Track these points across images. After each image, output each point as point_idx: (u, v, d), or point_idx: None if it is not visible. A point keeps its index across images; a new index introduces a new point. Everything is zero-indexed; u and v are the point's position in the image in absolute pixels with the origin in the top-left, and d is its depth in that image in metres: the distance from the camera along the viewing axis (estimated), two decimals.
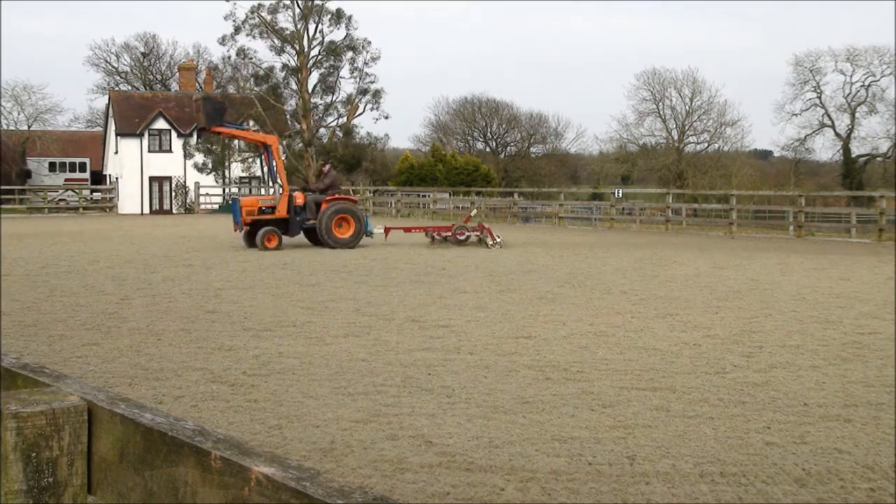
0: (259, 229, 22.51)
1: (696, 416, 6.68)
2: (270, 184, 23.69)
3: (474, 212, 28.72)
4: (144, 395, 7.24)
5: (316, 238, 23.30)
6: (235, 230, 23.73)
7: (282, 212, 23.03)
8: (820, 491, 5.17)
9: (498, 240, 23.90)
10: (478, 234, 24.25)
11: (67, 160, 72.02)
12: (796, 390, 7.53)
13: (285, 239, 23.03)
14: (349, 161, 55.75)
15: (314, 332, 10.35)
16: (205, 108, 25.60)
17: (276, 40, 53.93)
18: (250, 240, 22.80)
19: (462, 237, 24.25)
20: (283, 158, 22.91)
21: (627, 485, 5.26)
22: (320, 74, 54.88)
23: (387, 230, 25.17)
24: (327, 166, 25.22)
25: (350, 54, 53.93)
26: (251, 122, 53.69)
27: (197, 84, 65.98)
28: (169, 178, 57.01)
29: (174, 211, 55.87)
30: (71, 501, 1.56)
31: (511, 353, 9.07)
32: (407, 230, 26.05)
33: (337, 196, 23.86)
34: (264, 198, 25.39)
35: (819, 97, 65.37)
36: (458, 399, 7.17)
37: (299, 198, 23.45)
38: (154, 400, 7.12)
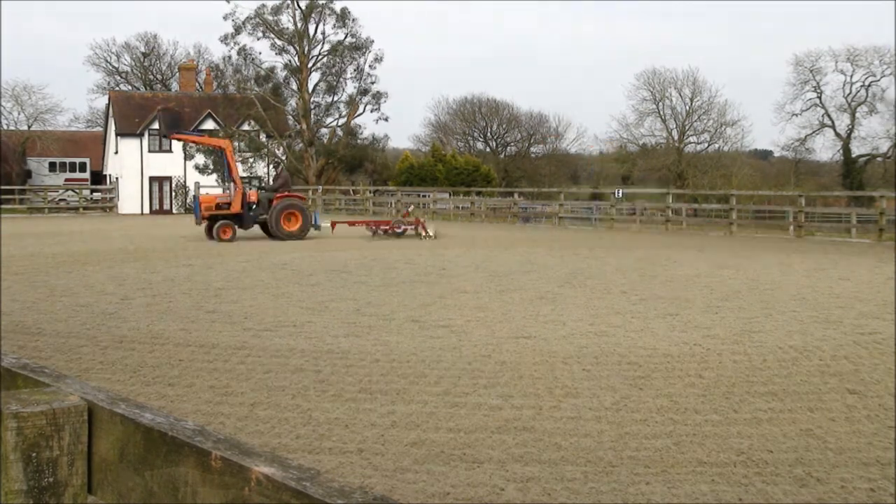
0: (216, 222, 25.79)
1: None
2: (225, 182, 27.49)
3: (412, 207, 32.27)
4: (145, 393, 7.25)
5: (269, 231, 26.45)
6: (197, 224, 26.78)
7: (236, 207, 26.27)
8: (820, 491, 5.17)
9: (430, 233, 26.74)
10: (413, 227, 27.17)
11: (67, 160, 72.00)
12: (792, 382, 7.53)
13: (241, 233, 26.23)
14: (351, 162, 55.77)
15: (314, 332, 10.35)
16: (163, 119, 29.20)
17: (277, 40, 53.95)
18: (209, 232, 25.94)
19: (399, 230, 26.98)
20: (236, 159, 27.26)
21: (627, 485, 5.27)
22: (322, 74, 54.89)
23: (333, 224, 28.75)
24: (280, 167, 28.69)
25: (354, 55, 53.93)
26: (251, 122, 53.79)
27: (197, 84, 65.98)
28: (169, 179, 57.01)
29: (174, 211, 55.87)
30: (71, 501, 1.56)
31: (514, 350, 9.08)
32: (351, 224, 29.86)
33: (286, 193, 27.00)
34: (222, 195, 28.81)
35: (819, 97, 65.37)
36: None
37: (252, 195, 26.79)
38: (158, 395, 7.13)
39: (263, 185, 28.91)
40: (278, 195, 26.70)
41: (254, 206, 26.52)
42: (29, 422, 1.52)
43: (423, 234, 26.73)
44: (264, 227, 26.58)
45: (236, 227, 25.93)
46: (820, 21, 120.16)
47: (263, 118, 52.89)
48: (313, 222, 26.99)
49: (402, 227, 27.22)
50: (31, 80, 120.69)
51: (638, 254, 21.48)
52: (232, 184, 27.41)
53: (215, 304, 12.55)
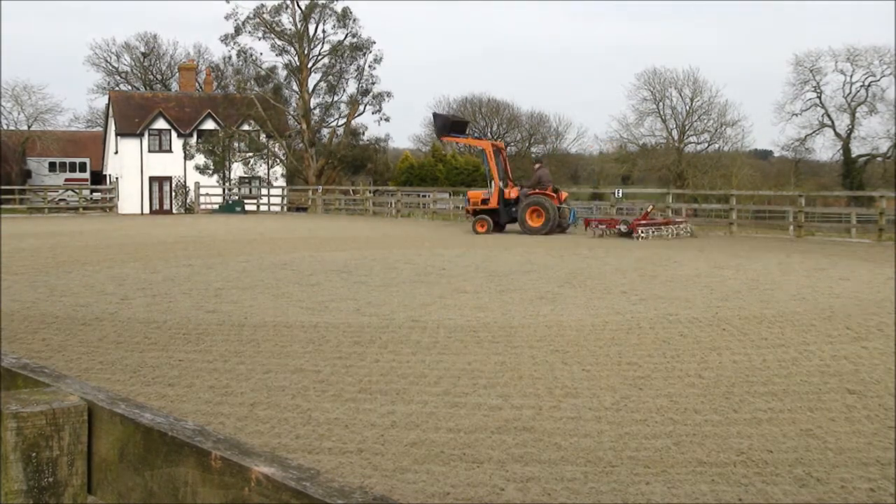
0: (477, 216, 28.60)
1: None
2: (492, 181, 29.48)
3: (650, 207, 30.82)
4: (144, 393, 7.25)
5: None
6: (466, 217, 30.89)
7: (493, 203, 28.62)
8: (820, 491, 5.17)
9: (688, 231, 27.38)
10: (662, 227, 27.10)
11: (67, 160, 72.00)
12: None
13: None
14: (352, 162, 55.77)
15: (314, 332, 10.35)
16: (436, 122, 31.94)
17: (277, 41, 53.95)
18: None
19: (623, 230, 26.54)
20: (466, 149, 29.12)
21: (627, 485, 5.27)
22: (323, 74, 54.90)
23: (586, 222, 29.19)
24: (537, 165, 29.78)
25: (355, 55, 53.92)
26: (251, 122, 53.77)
27: (197, 84, 66.00)
28: (169, 178, 57.02)
29: (174, 211, 55.86)
30: (71, 501, 1.56)
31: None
32: (599, 224, 29.01)
33: (539, 191, 28.06)
34: (485, 192, 30.04)
35: (819, 97, 65.38)
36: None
37: (513, 192, 28.56)
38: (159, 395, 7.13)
39: (524, 183, 29.56)
40: (531, 192, 28.07)
41: (511, 204, 28.36)
42: (29, 422, 1.52)
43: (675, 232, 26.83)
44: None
45: (492, 221, 28.27)
46: (820, 21, 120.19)
47: (263, 118, 52.89)
48: (570, 220, 28.47)
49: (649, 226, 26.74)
50: (31, 80, 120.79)
51: (638, 254, 21.47)
52: (492, 181, 29.10)
53: (215, 304, 12.55)
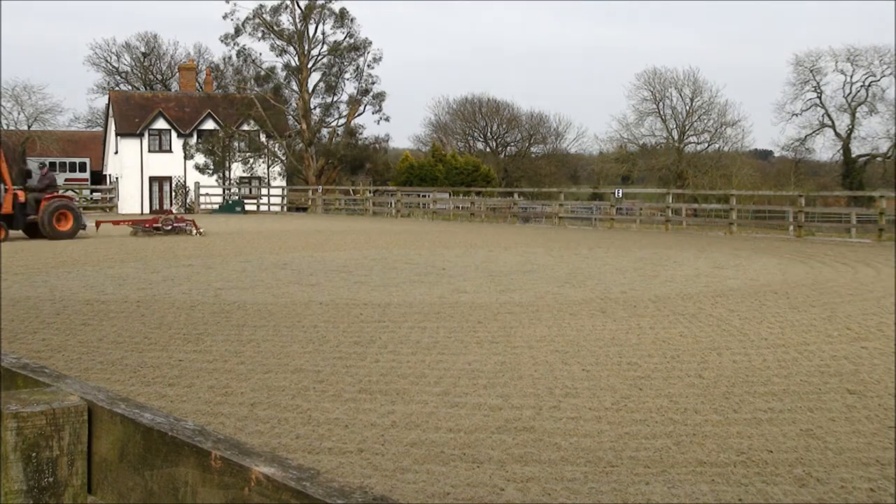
0: None
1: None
2: None
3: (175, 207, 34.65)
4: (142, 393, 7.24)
5: (37, 232, 26.52)
6: None
7: (7, 208, 26.03)
8: (820, 491, 5.17)
9: (201, 230, 28.85)
10: (182, 224, 29.04)
11: (67, 160, 71.99)
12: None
13: None
14: (352, 162, 55.78)
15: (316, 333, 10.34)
16: None
17: (277, 41, 53.95)
18: None
19: (168, 227, 28.66)
20: (4, 160, 26.46)
21: (627, 485, 5.27)
22: (322, 74, 54.91)
23: (98, 223, 30.11)
24: (44, 167, 28.97)
25: (353, 55, 53.95)
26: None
27: (197, 84, 65.98)
28: (169, 178, 57.01)
29: (174, 211, 55.87)
30: (71, 501, 1.56)
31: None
32: (116, 223, 31.75)
33: (55, 194, 27.54)
34: None
35: (819, 97, 65.35)
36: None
37: (21, 196, 26.54)
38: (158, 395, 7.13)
39: (28, 185, 27.70)
40: (47, 196, 27.01)
41: (23, 207, 26.48)
42: (29, 422, 1.52)
43: (195, 231, 28.73)
44: (31, 228, 26.63)
45: (8, 228, 25.98)
46: (820, 21, 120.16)
47: (263, 118, 52.90)
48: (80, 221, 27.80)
49: (171, 224, 28.94)
50: (31, 80, 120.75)
51: (638, 254, 21.48)
52: (2, 185, 26.41)
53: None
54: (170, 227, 28.70)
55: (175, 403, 7.12)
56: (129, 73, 77.78)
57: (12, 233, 26.29)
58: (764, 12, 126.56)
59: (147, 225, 29.02)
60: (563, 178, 71.76)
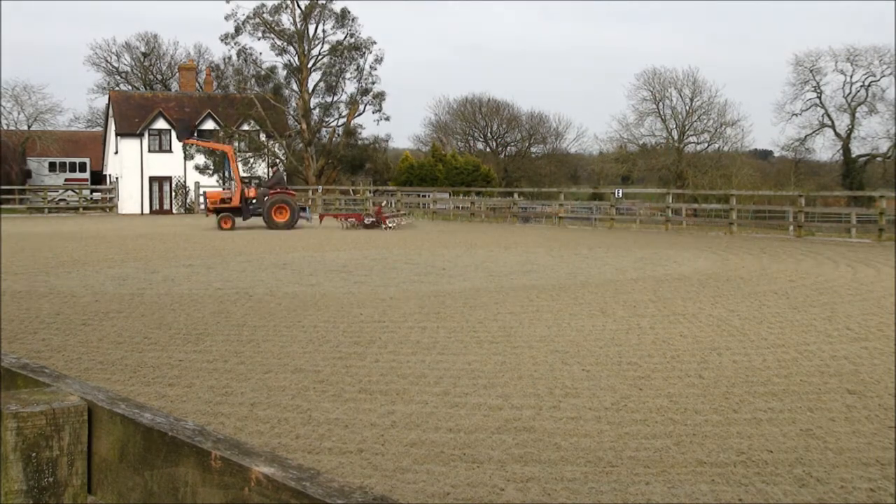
0: (219, 214, 31.73)
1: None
2: (226, 181, 34.07)
3: (384, 203, 37.57)
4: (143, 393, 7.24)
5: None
6: (206, 215, 34.27)
7: (236, 202, 31.87)
8: (820, 491, 5.17)
9: (392, 225, 32.14)
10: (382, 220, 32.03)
11: (67, 160, 71.96)
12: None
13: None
14: (351, 162, 55.79)
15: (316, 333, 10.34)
16: (179, 124, 35.00)
17: (277, 40, 53.96)
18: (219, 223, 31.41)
19: (369, 222, 32.12)
20: (237, 160, 32.81)
21: (627, 485, 5.27)
22: (323, 74, 54.91)
23: (321, 216, 34.76)
24: (276, 166, 33.82)
25: (354, 55, 53.96)
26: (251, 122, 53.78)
27: (197, 84, 65.96)
28: (169, 178, 56.99)
29: (174, 211, 55.86)
30: (71, 501, 1.56)
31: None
32: (336, 217, 34.51)
33: (279, 190, 32.22)
34: (225, 191, 34.24)
35: (819, 97, 65.33)
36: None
37: (251, 192, 32.18)
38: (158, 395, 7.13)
39: (262, 182, 33.36)
40: (272, 191, 31.79)
41: (252, 202, 31.85)
42: (29, 422, 1.52)
43: (385, 226, 31.80)
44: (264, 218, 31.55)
45: (235, 218, 31.37)
46: (820, 21, 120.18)
47: (263, 118, 52.90)
48: (304, 215, 32.63)
49: (370, 220, 32.29)
50: (31, 80, 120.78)
51: (638, 254, 21.47)
52: (233, 182, 32.76)
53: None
54: (369, 222, 32.12)
55: (175, 403, 7.12)
56: (129, 73, 77.75)
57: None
58: (764, 12, 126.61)
59: (350, 219, 33.02)
60: (563, 178, 71.71)
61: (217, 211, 31.98)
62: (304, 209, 33.27)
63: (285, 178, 34.30)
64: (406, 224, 33.30)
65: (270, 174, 33.99)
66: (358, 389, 7.55)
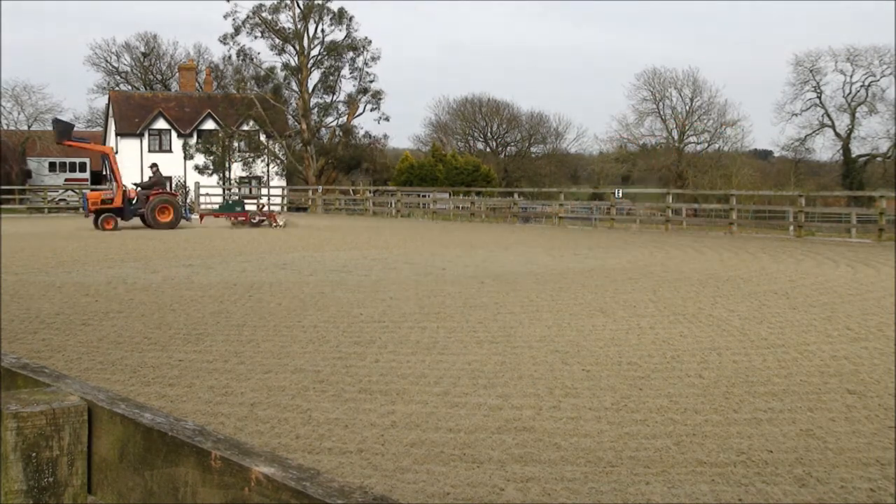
0: (101, 215, 31.23)
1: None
2: (109, 183, 34.15)
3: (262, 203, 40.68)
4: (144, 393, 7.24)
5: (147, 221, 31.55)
6: (84, 216, 33.16)
7: (118, 202, 31.66)
8: (820, 491, 5.17)
9: (280, 223, 32.58)
10: (267, 219, 32.82)
11: (67, 160, 71.98)
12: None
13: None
14: (349, 162, 55.83)
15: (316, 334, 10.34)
16: (55, 127, 35.46)
17: (276, 40, 53.98)
18: (95, 223, 31.32)
19: (255, 221, 32.64)
20: (117, 164, 33.47)
21: (627, 485, 5.27)
22: (321, 74, 54.96)
23: (201, 216, 35.21)
24: (154, 168, 33.35)
25: (351, 54, 54.00)
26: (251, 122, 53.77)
27: (197, 84, 65.98)
28: (169, 178, 56.97)
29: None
30: (71, 501, 1.56)
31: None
32: (216, 216, 35.50)
33: (160, 191, 32.53)
34: (106, 192, 34.13)
35: (819, 97, 65.38)
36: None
37: (131, 193, 32.18)
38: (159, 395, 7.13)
39: (139, 183, 33.46)
40: (153, 192, 32.16)
41: (133, 202, 31.85)
42: (29, 422, 1.52)
43: (274, 224, 32.61)
44: (142, 218, 31.74)
45: (118, 218, 31.31)
46: (820, 21, 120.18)
47: (263, 118, 52.93)
48: (184, 214, 32.92)
49: (258, 218, 32.94)
50: (31, 80, 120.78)
51: (636, 254, 21.47)
52: (114, 183, 32.49)
53: (216, 305, 12.54)
54: (255, 221, 32.53)
55: (175, 403, 7.12)
56: (129, 73, 77.78)
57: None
58: (764, 12, 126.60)
59: (239, 218, 33.27)
60: (563, 178, 71.74)
61: (98, 212, 31.66)
62: (190, 210, 34.50)
63: (163, 178, 34.56)
64: (284, 224, 33.24)
65: (150, 175, 33.75)
66: (358, 389, 7.55)
